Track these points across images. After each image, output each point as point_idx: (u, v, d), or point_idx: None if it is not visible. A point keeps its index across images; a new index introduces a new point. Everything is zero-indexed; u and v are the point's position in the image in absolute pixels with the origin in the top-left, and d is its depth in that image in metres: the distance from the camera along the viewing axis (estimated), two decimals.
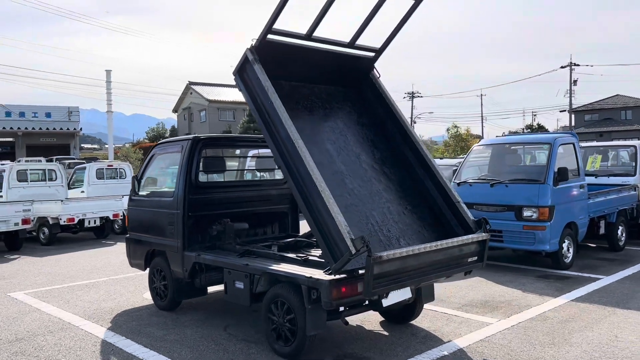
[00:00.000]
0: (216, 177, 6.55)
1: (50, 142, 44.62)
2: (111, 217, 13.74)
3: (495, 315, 5.93)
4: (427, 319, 5.83)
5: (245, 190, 6.61)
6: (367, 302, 4.74)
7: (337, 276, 4.24)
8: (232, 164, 7.50)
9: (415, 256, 4.39)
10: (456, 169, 9.26)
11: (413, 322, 5.71)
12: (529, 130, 65.05)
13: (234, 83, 5.18)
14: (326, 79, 5.76)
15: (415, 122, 59.28)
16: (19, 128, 42.29)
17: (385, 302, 4.68)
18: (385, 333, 5.42)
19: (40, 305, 6.83)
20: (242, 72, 5.08)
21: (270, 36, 4.96)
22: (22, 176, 14.16)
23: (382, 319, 5.82)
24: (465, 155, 9.48)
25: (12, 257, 11.28)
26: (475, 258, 5.10)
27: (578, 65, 46.89)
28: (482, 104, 63.47)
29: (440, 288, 7.10)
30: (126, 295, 7.20)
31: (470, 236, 4.93)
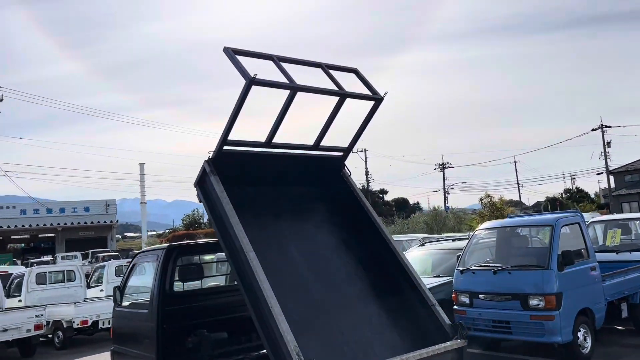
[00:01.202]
0: (193, 285, 6.43)
1: (89, 235, 45.89)
2: None
3: None
4: None
5: (225, 296, 6.44)
6: None
7: None
8: (213, 268, 7.39)
9: None
10: (460, 255, 8.88)
11: None
12: (567, 194, 63.32)
13: None
14: (296, 181, 5.71)
15: (448, 193, 58.74)
16: (58, 224, 43.78)
17: None
18: None
19: None
20: (202, 184, 5.08)
21: (228, 147, 4.99)
22: (41, 279, 14.41)
23: None
24: (469, 240, 9.13)
25: None
26: None
27: (609, 127, 46.13)
28: (516, 171, 62.56)
29: None
30: None
31: (442, 345, 4.59)
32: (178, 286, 6.08)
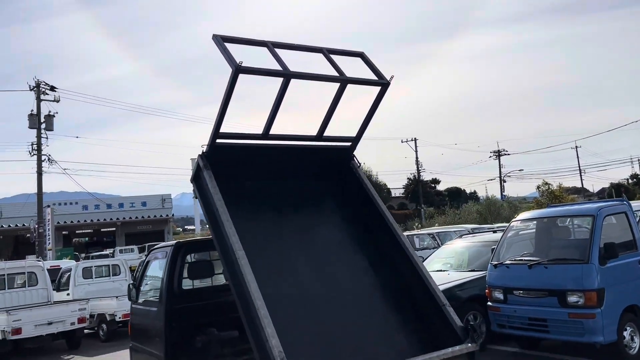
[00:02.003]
0: (203, 282, 6.29)
1: (146, 229, 47.31)
2: None
3: None
4: None
5: None
6: None
7: None
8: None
9: None
10: (494, 248, 8.35)
11: None
12: (634, 180, 59.81)
13: None
14: (300, 175, 5.43)
15: (504, 182, 56.77)
16: (117, 218, 45.35)
17: None
18: None
19: None
20: (197, 179, 4.89)
21: (222, 140, 4.77)
22: (87, 273, 14.83)
23: None
24: (504, 232, 8.57)
25: (66, 357, 11.55)
26: None
27: None
28: (578, 156, 59.77)
29: None
30: None
31: (451, 349, 4.21)
32: (187, 284, 5.95)
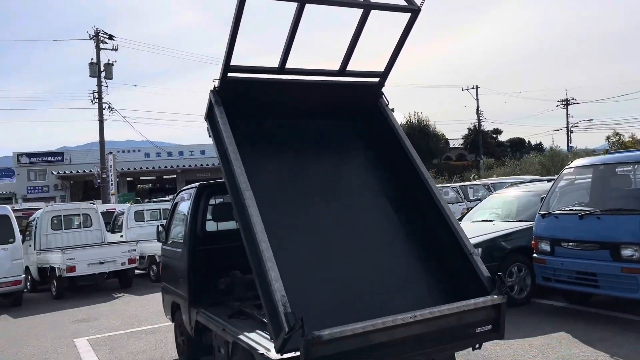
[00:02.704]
0: (228, 225, 6.15)
1: (205, 177, 48.49)
2: None
3: None
4: None
5: None
6: None
7: (286, 356, 3.52)
8: None
9: (379, 332, 3.51)
10: (544, 197, 7.77)
11: None
12: None
13: None
14: (322, 113, 5.08)
15: (571, 132, 53.93)
16: (177, 166, 46.66)
17: None
18: None
19: (88, 355, 6.97)
20: (211, 117, 4.64)
21: (234, 74, 4.47)
22: (139, 216, 15.28)
23: None
24: (556, 179, 7.94)
25: (117, 295, 12.03)
26: (489, 327, 3.99)
27: None
28: None
29: (498, 346, 5.85)
30: (168, 347, 7.05)
31: (473, 301, 3.86)
32: (211, 226, 5.84)
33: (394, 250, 4.42)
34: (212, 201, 5.82)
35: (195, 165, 46.92)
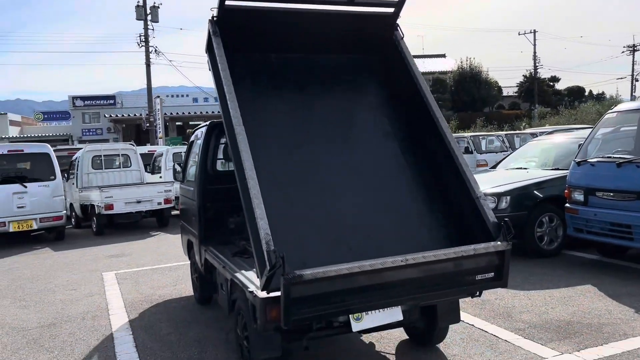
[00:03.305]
0: None
1: None
2: None
3: (564, 345, 4.40)
4: (462, 341, 4.60)
5: None
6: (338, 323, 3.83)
7: (272, 294, 3.44)
8: None
9: (366, 274, 3.35)
10: (581, 144, 7.27)
11: (441, 345, 4.55)
12: None
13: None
14: (332, 47, 4.79)
15: (637, 80, 50.67)
16: (219, 112, 47.00)
17: (357, 326, 3.69)
18: (392, 358, 4.39)
19: (111, 287, 7.19)
20: (210, 49, 4.45)
21: (233, 2, 4.23)
22: (177, 158, 15.48)
23: (406, 336, 4.77)
24: (595, 125, 7.39)
25: (153, 233, 12.38)
26: (492, 275, 3.76)
27: None
28: None
29: (516, 297, 5.63)
30: (187, 283, 7.18)
31: (473, 246, 3.63)
32: (223, 165, 5.76)
33: (397, 193, 4.20)
34: (223, 140, 5.71)
35: None
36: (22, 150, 11.75)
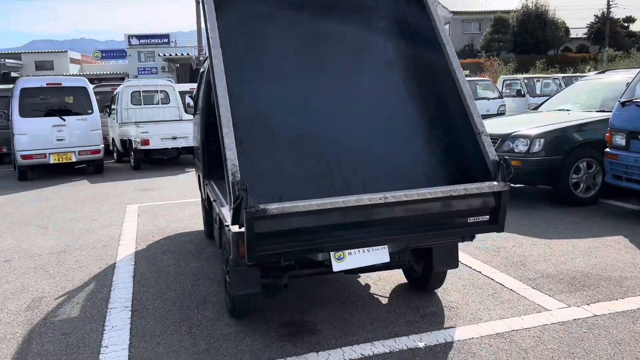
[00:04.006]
0: None
1: None
2: None
3: (574, 297, 4.06)
4: (464, 288, 4.33)
5: None
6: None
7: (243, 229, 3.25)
8: None
9: (339, 211, 3.10)
10: (629, 83, 6.56)
11: (440, 290, 4.30)
12: None
13: None
14: None
15: None
16: None
17: (339, 266, 3.46)
18: (384, 300, 4.19)
19: (130, 219, 7.28)
20: None
21: None
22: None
23: (405, 280, 4.54)
24: None
25: (188, 170, 12.48)
26: (487, 218, 3.42)
27: None
28: None
29: (535, 245, 5.26)
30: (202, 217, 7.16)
31: (464, 186, 3.28)
32: None
33: (394, 126, 3.84)
34: None
35: None
36: (60, 84, 11.94)
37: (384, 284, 4.51)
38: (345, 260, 3.48)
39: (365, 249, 3.46)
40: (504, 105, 17.06)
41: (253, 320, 3.88)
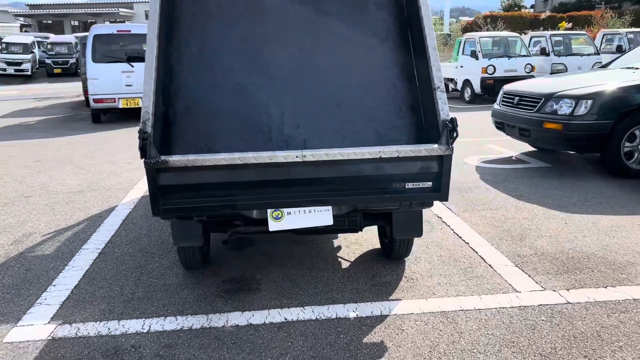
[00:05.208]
0: None
1: None
2: None
3: (557, 280, 3.58)
4: (438, 259, 3.98)
5: None
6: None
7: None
8: None
9: (252, 168, 2.88)
10: None
11: (410, 259, 3.99)
12: None
13: None
14: None
15: None
16: None
17: (275, 226, 3.28)
18: (345, 264, 3.95)
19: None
20: None
21: None
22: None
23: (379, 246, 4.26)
24: None
25: None
26: (429, 184, 3.03)
27: None
28: None
29: (554, 221, 4.71)
30: None
31: (396, 147, 2.92)
32: None
33: (352, 78, 3.49)
34: None
35: None
36: (130, 31, 12.35)
37: (356, 247, 4.26)
38: (284, 220, 3.30)
39: (307, 209, 3.25)
40: (600, 62, 15.34)
41: (203, 273, 3.83)
